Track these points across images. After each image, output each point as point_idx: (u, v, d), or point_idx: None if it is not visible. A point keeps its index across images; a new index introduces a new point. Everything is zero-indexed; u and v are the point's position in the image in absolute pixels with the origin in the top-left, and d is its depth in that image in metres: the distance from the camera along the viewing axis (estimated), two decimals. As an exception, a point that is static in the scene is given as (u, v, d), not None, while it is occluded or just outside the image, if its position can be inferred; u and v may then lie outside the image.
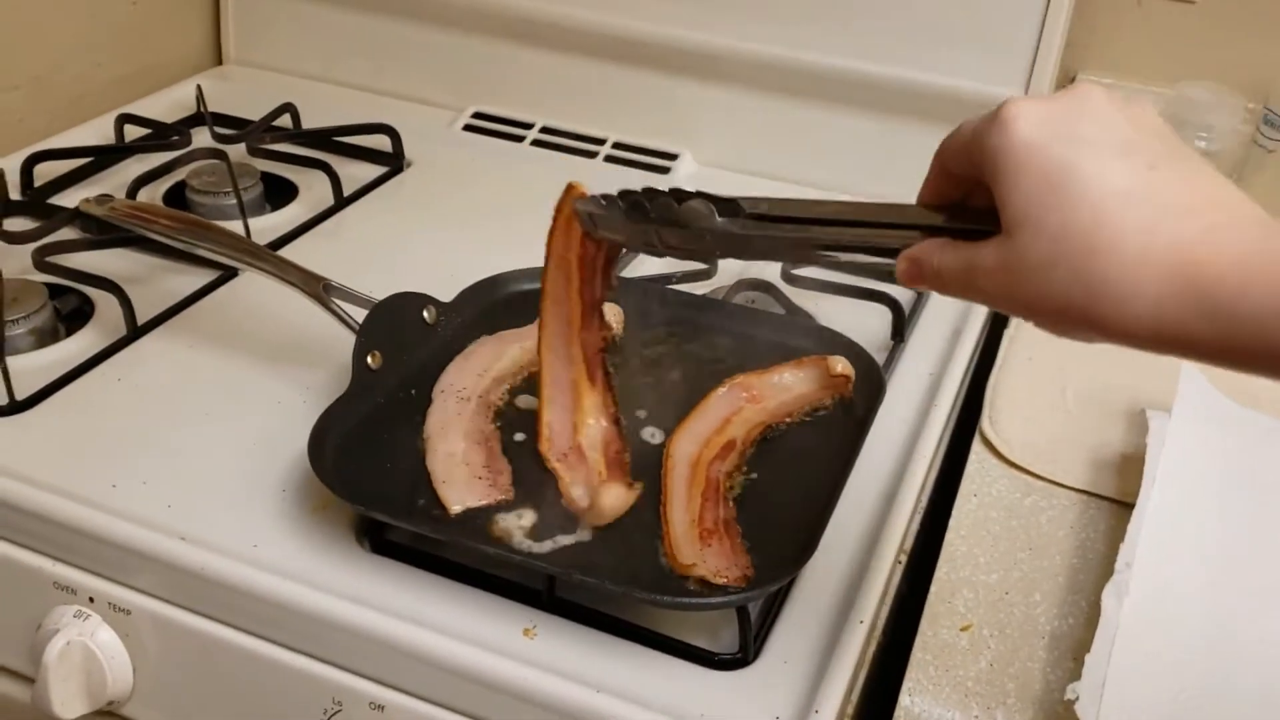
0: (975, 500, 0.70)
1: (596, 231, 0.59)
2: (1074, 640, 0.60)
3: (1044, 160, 0.41)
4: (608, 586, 0.57)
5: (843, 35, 0.99)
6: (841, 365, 0.72)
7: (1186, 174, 0.41)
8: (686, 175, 1.06)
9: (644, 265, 0.91)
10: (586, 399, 0.67)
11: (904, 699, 0.57)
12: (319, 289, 0.71)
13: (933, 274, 0.46)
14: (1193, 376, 0.73)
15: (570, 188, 0.61)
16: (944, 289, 0.46)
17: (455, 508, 0.62)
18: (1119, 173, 0.40)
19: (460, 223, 0.96)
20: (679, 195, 0.52)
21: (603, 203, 0.58)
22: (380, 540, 0.63)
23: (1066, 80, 1.03)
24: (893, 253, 0.47)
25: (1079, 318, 0.41)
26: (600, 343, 0.66)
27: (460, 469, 0.64)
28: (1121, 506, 0.69)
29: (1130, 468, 0.70)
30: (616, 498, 0.62)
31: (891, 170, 1.01)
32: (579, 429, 0.67)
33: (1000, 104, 0.43)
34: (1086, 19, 0.99)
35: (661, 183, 1.00)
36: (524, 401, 0.71)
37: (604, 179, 1.04)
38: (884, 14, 0.98)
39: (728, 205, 0.50)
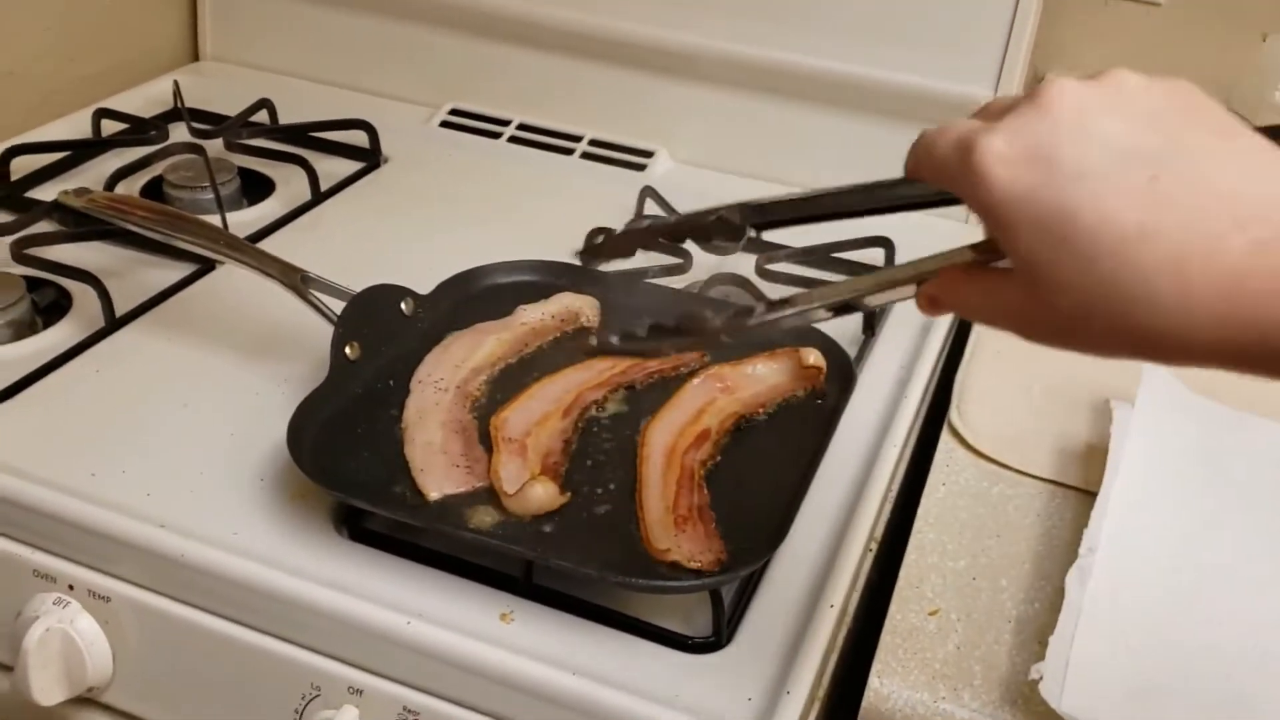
0: (944, 489, 0.71)
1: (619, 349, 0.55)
2: (1039, 624, 0.62)
3: (1036, 213, 0.37)
4: (584, 570, 0.58)
5: (816, 34, 1.00)
6: (814, 357, 0.73)
7: (1199, 171, 0.36)
8: (662, 172, 1.07)
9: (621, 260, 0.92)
10: (553, 422, 0.69)
11: (873, 681, 0.59)
12: (297, 280, 0.72)
13: (958, 307, 0.43)
14: (1156, 369, 0.75)
15: None
16: (973, 319, 0.44)
17: (433, 494, 0.63)
18: (1123, 204, 0.35)
19: (437, 218, 0.97)
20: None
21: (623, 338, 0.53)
22: (358, 528, 0.64)
23: (1035, 80, 1.05)
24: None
25: (1137, 356, 0.37)
26: (597, 408, 0.72)
27: (438, 457, 0.65)
28: (1086, 495, 0.70)
29: (1095, 457, 0.71)
30: (545, 494, 0.63)
31: (863, 168, 1.03)
32: (532, 433, 0.68)
33: (966, 135, 0.39)
34: (1054, 19, 1.01)
35: (636, 180, 1.02)
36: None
37: (581, 175, 1.06)
38: (856, 13, 0.99)
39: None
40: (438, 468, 0.65)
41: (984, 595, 0.64)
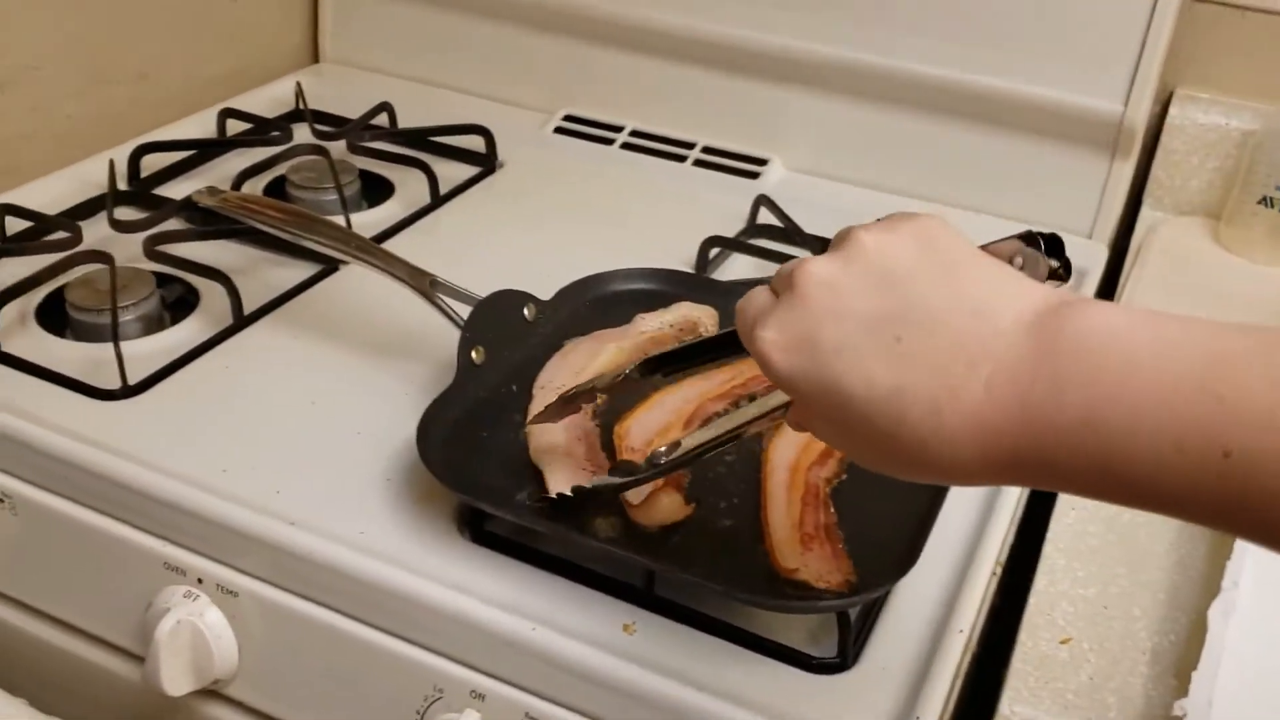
0: (1073, 514, 0.69)
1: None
2: (1176, 657, 0.60)
3: (811, 389, 0.43)
4: (711, 585, 0.58)
5: (939, 44, 0.99)
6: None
7: (933, 322, 0.40)
8: (776, 180, 1.06)
9: (734, 267, 0.92)
10: (674, 433, 0.68)
11: (1004, 708, 0.57)
12: (426, 284, 0.73)
13: (812, 433, 0.47)
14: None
15: None
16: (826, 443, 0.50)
17: (555, 488, 0.63)
18: (878, 369, 0.41)
19: (551, 223, 0.97)
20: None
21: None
22: (480, 531, 0.64)
23: (1164, 94, 1.02)
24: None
25: (939, 483, 0.44)
26: (717, 413, 0.70)
27: (563, 460, 0.65)
28: (1222, 525, 0.68)
29: (1232, 486, 0.69)
30: (671, 505, 0.63)
31: (981, 181, 1.01)
32: (654, 443, 0.67)
33: (750, 321, 0.45)
34: (1189, 33, 0.98)
35: (749, 189, 1.01)
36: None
37: (693, 183, 1.05)
38: (982, 23, 0.97)
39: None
40: (564, 470, 0.65)
41: (1117, 625, 0.62)
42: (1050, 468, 0.38)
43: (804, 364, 0.43)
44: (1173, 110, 1.01)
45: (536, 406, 0.70)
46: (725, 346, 0.55)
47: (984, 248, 0.46)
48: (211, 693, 0.68)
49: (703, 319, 0.79)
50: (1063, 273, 0.48)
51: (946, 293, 0.41)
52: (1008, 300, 0.40)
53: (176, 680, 0.64)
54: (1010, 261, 0.47)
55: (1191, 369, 0.36)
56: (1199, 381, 0.35)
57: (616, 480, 0.61)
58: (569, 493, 0.62)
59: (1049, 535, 0.67)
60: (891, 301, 0.42)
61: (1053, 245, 0.49)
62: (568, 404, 0.64)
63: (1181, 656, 0.60)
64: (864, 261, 0.43)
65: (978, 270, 0.42)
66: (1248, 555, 0.62)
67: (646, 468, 0.60)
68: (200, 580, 0.66)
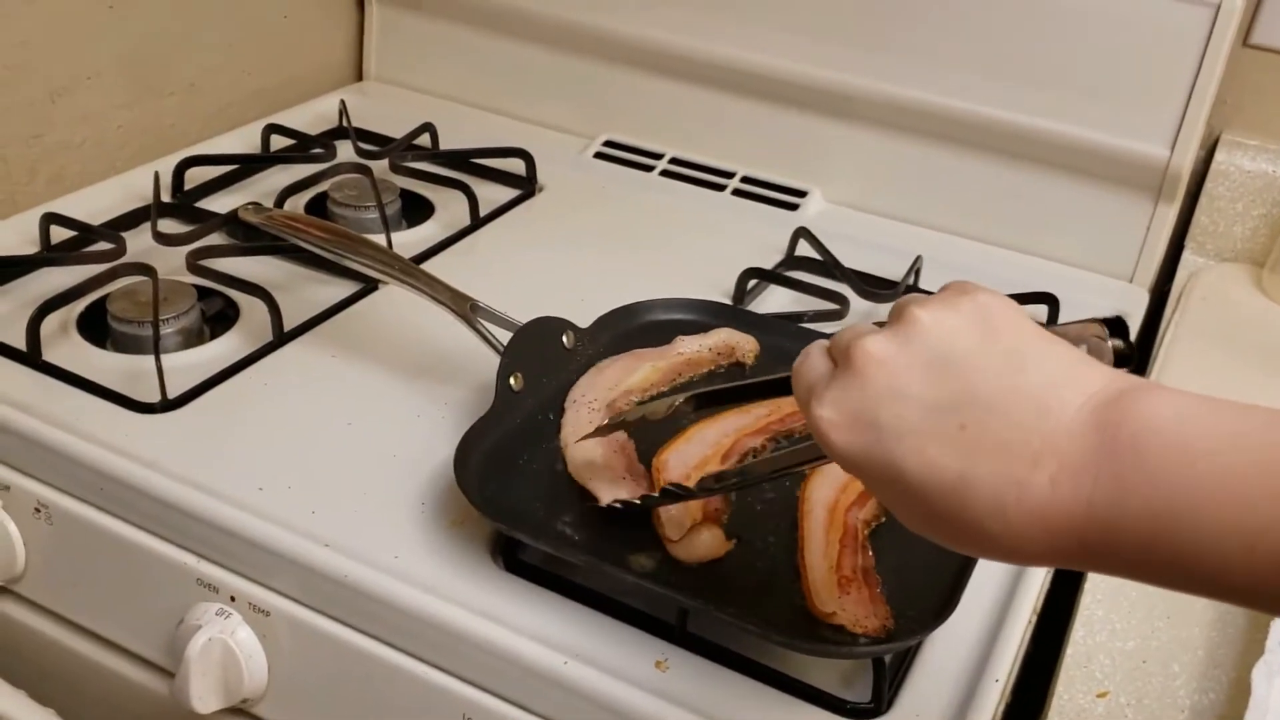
0: (1112, 564, 0.68)
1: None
2: (1215, 716, 0.59)
3: (870, 467, 0.42)
4: (745, 626, 0.57)
5: (984, 81, 0.98)
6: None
7: (999, 413, 0.40)
8: (815, 212, 1.06)
9: (772, 299, 0.91)
10: (712, 466, 0.68)
11: (1039, 762, 0.57)
12: (467, 309, 0.73)
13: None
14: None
15: None
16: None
17: (606, 499, 0.63)
18: (942, 456, 0.40)
19: (590, 249, 0.97)
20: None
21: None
22: (514, 559, 0.64)
23: (1211, 139, 1.01)
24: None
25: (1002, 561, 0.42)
26: (754, 455, 0.71)
27: (604, 471, 0.65)
28: (1263, 581, 0.67)
29: (1274, 542, 0.68)
30: (712, 541, 0.62)
31: (1025, 220, 1.01)
32: (691, 476, 0.67)
33: (807, 390, 0.45)
34: (1237, 78, 0.98)
35: (787, 220, 1.01)
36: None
37: (732, 212, 1.05)
38: (1029, 63, 0.97)
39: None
40: (605, 479, 0.65)
41: (1155, 680, 0.61)
42: (1117, 560, 0.38)
43: (865, 445, 0.42)
44: (1219, 155, 1.00)
45: (569, 421, 0.70)
46: (778, 390, 0.55)
47: (1050, 329, 0.45)
48: (240, 711, 0.67)
49: (742, 345, 0.79)
50: (1128, 353, 0.48)
51: (1010, 381, 0.41)
52: (1071, 390, 0.40)
53: (205, 698, 0.64)
54: (1076, 345, 0.46)
55: (1255, 465, 0.35)
56: (1264, 482, 0.35)
57: (670, 495, 0.61)
58: (618, 505, 0.62)
59: (1087, 585, 0.67)
60: (953, 387, 0.41)
61: (1116, 328, 0.48)
62: (615, 427, 0.64)
63: (1222, 716, 0.59)
64: (922, 341, 0.42)
65: (1041, 356, 0.41)
66: (1292, 615, 0.61)
67: (697, 490, 0.59)
68: (233, 598, 0.66)
